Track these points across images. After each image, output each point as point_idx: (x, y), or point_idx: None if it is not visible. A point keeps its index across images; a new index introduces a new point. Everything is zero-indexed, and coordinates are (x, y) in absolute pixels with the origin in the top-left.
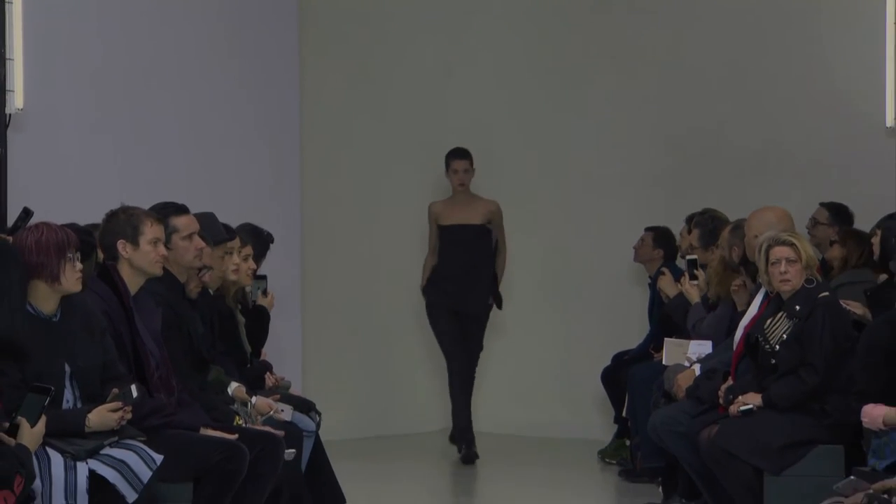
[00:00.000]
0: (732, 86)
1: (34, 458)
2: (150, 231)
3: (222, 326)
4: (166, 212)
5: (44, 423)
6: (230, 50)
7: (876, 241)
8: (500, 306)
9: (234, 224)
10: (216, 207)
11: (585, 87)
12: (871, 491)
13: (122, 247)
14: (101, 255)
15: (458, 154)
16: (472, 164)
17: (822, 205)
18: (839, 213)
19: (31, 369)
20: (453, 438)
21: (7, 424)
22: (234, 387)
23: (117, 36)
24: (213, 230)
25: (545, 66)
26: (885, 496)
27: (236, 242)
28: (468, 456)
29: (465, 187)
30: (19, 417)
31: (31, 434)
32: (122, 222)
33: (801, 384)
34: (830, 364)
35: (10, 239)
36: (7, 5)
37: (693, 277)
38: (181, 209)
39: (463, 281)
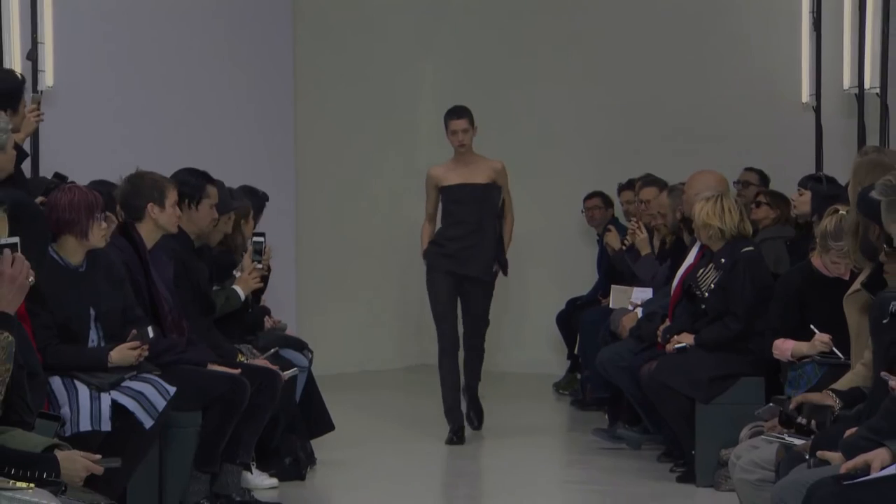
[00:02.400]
0: (668, 67)
1: (63, 389)
2: (172, 195)
3: (227, 278)
4: (203, 177)
5: None
6: (231, 33)
7: (805, 199)
8: (505, 272)
9: (233, 184)
10: (219, 169)
11: (544, 67)
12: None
13: (151, 209)
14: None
15: (455, 113)
16: (472, 122)
17: (750, 169)
18: (763, 176)
19: (61, 313)
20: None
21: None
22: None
23: (133, 22)
24: (222, 198)
25: (509, 47)
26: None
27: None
28: (452, 438)
29: (465, 147)
30: None
31: None
32: (150, 188)
33: (726, 330)
34: (751, 312)
35: (45, 199)
36: None
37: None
38: (211, 179)
39: (467, 243)
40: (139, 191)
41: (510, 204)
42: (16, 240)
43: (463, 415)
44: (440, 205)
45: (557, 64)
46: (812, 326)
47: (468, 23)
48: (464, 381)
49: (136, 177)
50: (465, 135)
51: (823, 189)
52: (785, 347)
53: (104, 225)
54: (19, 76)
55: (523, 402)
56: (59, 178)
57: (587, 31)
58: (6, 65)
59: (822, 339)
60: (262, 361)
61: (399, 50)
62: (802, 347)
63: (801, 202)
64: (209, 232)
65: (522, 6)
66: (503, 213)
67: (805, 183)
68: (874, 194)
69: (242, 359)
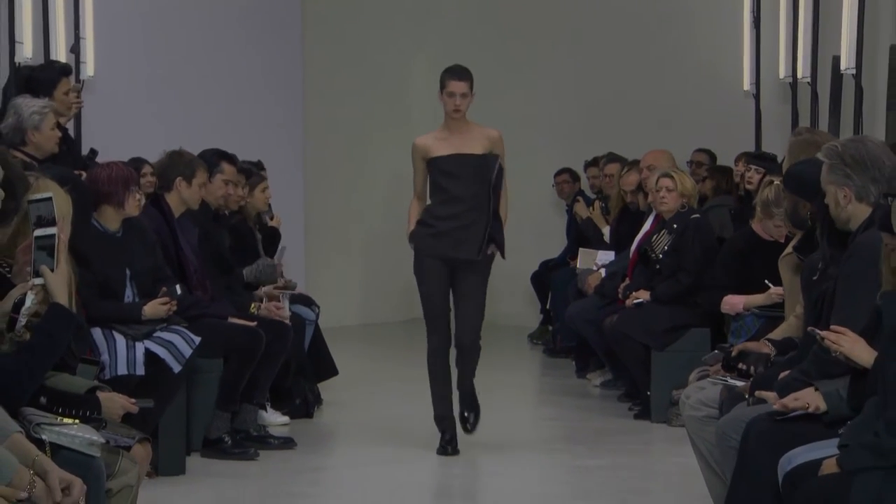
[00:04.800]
0: (629, 60)
1: (103, 339)
2: (201, 176)
3: (245, 242)
4: (220, 156)
5: (65, 261)
6: (248, 31)
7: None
8: (503, 254)
9: (251, 159)
10: (239, 146)
11: (523, 61)
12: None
13: (179, 182)
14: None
15: (455, 74)
16: (472, 87)
17: (700, 150)
18: (712, 157)
19: (101, 273)
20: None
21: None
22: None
23: (163, 20)
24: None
25: (493, 43)
26: (737, 358)
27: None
28: (446, 448)
29: (461, 114)
30: (41, 267)
31: (55, 277)
32: (183, 165)
33: (679, 284)
34: (699, 268)
35: (83, 174)
36: None
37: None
38: (232, 159)
39: (461, 222)
40: (173, 165)
41: (505, 177)
42: (49, 194)
43: (455, 422)
44: (428, 179)
45: (534, 58)
46: (766, 282)
47: (458, 18)
48: (456, 381)
49: (174, 153)
50: (462, 100)
51: (777, 167)
52: (736, 301)
53: (138, 196)
54: (58, 67)
55: (502, 350)
56: (93, 152)
57: (561, 31)
58: (52, 57)
59: (776, 291)
60: (275, 310)
61: (395, 39)
62: (757, 299)
63: (758, 179)
64: (227, 202)
65: (505, 8)
66: (499, 186)
67: (762, 163)
68: (819, 156)
69: (254, 310)
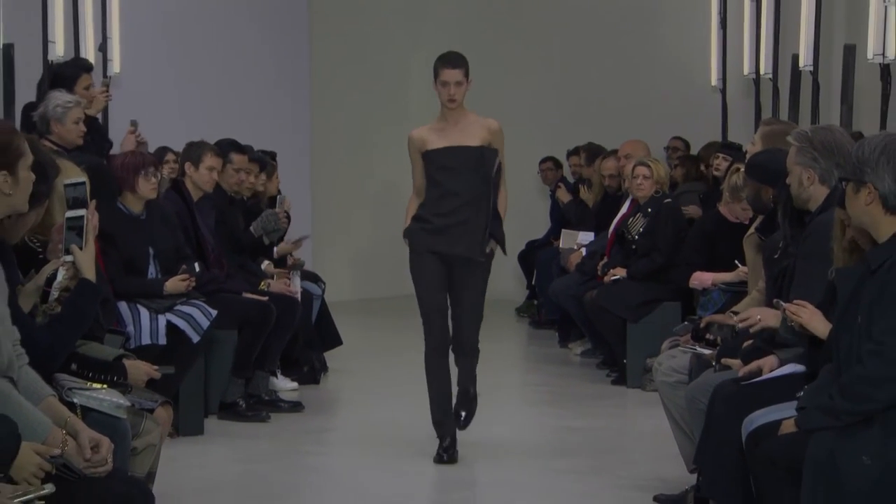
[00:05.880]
0: (608, 58)
1: (128, 311)
2: (208, 160)
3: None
4: (231, 147)
5: (93, 241)
6: (259, 32)
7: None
8: (504, 248)
9: (264, 148)
10: (252, 137)
11: (512, 59)
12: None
13: (188, 167)
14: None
15: (449, 61)
16: (467, 74)
17: (676, 138)
18: (687, 144)
19: (127, 252)
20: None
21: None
22: (265, 263)
23: (183, 22)
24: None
25: (482, 41)
26: (705, 329)
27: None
28: (442, 456)
29: (456, 104)
30: (71, 246)
31: (83, 255)
32: (192, 151)
33: (652, 263)
34: (671, 248)
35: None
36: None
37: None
38: (242, 149)
39: (457, 218)
40: (185, 153)
41: (504, 171)
42: (83, 179)
43: (454, 427)
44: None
45: (524, 56)
46: (737, 262)
47: (456, 18)
48: (456, 379)
49: (189, 143)
50: (457, 88)
51: (742, 155)
52: (705, 278)
53: (153, 180)
54: (81, 64)
55: (491, 323)
56: (109, 142)
57: (549, 31)
58: (82, 55)
59: (744, 270)
60: (280, 286)
61: (394, 38)
62: (725, 276)
63: (726, 167)
64: (240, 188)
65: (494, 9)
66: (497, 182)
67: (729, 151)
68: (789, 139)
69: (264, 286)
